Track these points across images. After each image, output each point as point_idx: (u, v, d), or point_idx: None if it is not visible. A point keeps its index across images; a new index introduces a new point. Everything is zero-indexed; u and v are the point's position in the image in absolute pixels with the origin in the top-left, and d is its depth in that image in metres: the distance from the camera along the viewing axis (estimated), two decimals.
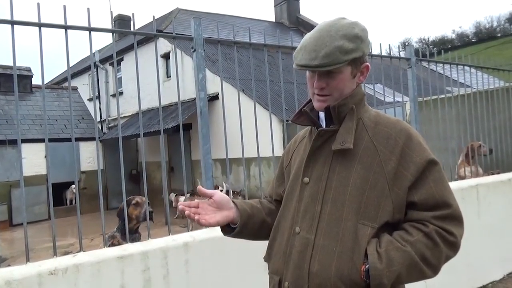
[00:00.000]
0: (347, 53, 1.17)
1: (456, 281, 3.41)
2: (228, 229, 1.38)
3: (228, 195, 1.42)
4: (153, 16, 2.66)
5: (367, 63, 1.27)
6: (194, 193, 11.18)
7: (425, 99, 4.32)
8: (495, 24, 60.27)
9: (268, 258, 1.36)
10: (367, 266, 1.12)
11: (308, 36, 1.23)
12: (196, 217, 1.27)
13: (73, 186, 10.45)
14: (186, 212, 1.28)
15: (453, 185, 3.68)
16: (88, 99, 16.12)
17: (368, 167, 1.19)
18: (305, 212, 1.25)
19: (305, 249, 1.21)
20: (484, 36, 56.99)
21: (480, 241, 3.73)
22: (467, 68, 4.47)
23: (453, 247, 1.16)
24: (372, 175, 1.18)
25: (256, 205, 1.44)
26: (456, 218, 1.18)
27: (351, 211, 1.17)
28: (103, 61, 15.77)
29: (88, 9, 2.24)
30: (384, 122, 1.25)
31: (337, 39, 1.17)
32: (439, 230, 1.14)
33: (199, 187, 1.35)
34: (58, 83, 18.56)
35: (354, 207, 1.17)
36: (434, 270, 1.15)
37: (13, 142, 11.01)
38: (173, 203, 9.63)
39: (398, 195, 1.17)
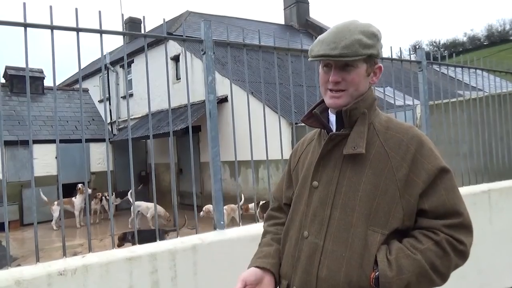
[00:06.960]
0: (365, 47, 1.18)
1: (467, 287, 3.36)
2: None
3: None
4: (163, 19, 2.68)
5: (380, 64, 1.28)
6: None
7: (436, 102, 4.27)
8: (507, 27, 59.59)
9: None
10: (376, 273, 1.11)
11: (325, 33, 1.23)
12: None
13: (80, 185, 10.49)
14: None
15: (465, 190, 3.62)
16: (98, 101, 16.27)
17: (379, 173, 1.18)
18: (314, 216, 1.23)
19: (314, 253, 1.20)
20: (496, 39, 56.33)
21: (491, 247, 3.67)
22: (479, 71, 4.40)
23: (463, 256, 1.17)
24: (383, 181, 1.17)
25: (276, 247, 1.37)
26: (466, 227, 1.17)
27: (361, 217, 1.16)
28: (113, 63, 15.90)
29: (99, 12, 2.26)
30: (395, 128, 1.24)
31: (356, 34, 1.18)
32: (449, 239, 1.14)
33: None
34: (70, 85, 18.75)
35: (364, 213, 1.16)
36: (443, 278, 1.16)
37: (24, 143, 11.14)
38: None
39: (409, 202, 1.16)
